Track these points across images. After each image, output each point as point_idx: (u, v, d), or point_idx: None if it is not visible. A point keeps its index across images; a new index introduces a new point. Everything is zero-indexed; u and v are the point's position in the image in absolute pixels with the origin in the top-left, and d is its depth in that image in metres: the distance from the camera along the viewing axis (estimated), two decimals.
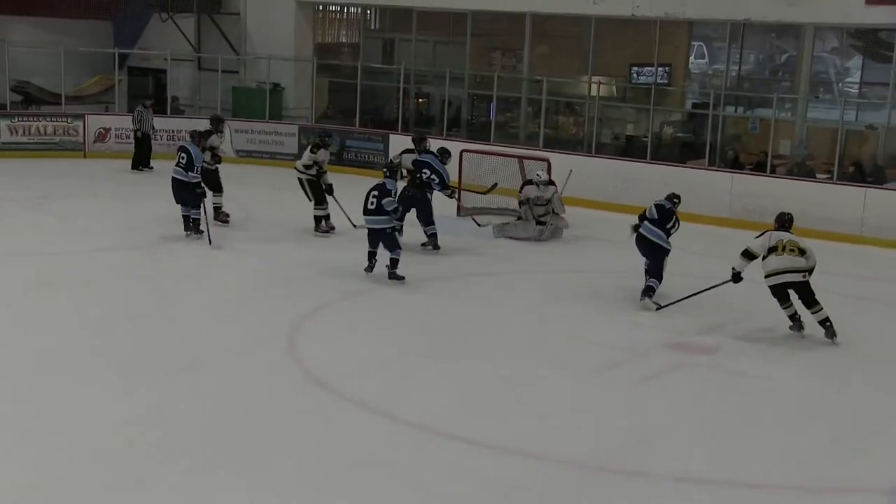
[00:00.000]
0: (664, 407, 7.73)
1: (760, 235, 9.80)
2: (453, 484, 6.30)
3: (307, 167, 12.85)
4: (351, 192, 14.32)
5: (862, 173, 14.99)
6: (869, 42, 16.86)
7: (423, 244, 12.29)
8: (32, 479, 6.07)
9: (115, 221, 13.32)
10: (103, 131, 18.66)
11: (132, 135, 17.53)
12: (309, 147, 13.08)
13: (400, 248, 10.90)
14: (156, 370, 7.93)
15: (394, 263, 10.79)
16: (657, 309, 10.12)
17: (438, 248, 12.23)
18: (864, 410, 7.93)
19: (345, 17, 21.56)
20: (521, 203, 13.25)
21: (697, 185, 15.24)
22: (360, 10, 20.73)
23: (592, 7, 16.80)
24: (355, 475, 6.33)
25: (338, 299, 10.20)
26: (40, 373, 7.81)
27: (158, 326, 9.10)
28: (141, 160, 17.36)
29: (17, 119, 18.25)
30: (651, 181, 15.44)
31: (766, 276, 9.53)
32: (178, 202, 12.23)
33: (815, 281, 9.64)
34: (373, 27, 21.29)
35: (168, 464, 6.34)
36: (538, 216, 13.11)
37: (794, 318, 9.66)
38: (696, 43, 18.65)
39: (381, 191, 10.81)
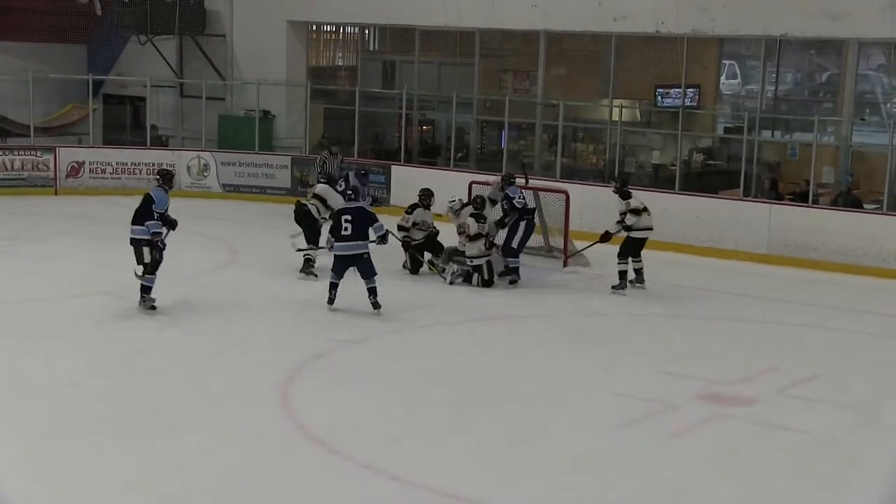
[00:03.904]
0: (697, 464, 7.74)
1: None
2: None
3: (402, 228, 13.44)
4: None
5: None
6: None
7: (509, 279, 12.86)
8: None
9: (88, 264, 13.43)
10: (76, 165, 18.86)
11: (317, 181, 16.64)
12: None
13: (376, 272, 11.34)
14: (134, 431, 7.98)
15: (373, 292, 11.27)
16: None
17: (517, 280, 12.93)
18: None
19: (341, 37, 21.81)
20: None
21: (732, 217, 15.35)
22: (357, 29, 20.98)
23: (613, 24, 17.00)
24: None
25: (334, 348, 10.28)
26: (4, 435, 7.86)
27: (135, 382, 9.16)
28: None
29: None
30: (680, 214, 15.57)
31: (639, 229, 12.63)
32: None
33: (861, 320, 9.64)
34: (371, 48, 21.53)
35: None
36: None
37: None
38: (727, 62, 18.76)
39: (360, 215, 11.35)
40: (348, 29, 21.28)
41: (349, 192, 12.72)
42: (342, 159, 16.92)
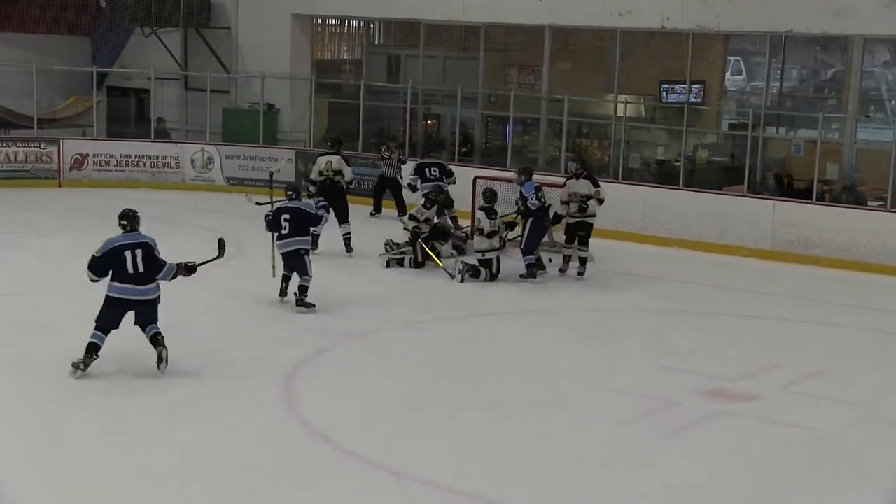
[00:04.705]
0: (699, 461, 7.73)
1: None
2: None
3: (413, 219, 13.53)
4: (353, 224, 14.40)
5: None
6: None
7: (520, 275, 12.80)
8: None
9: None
10: (80, 157, 18.84)
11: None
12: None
13: (310, 274, 11.24)
14: (137, 427, 7.98)
15: (303, 290, 11.18)
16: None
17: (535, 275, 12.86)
18: None
19: (346, 31, 21.78)
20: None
21: (736, 213, 15.31)
22: (362, 23, 20.95)
23: (618, 19, 16.95)
24: None
25: (336, 343, 10.25)
26: (11, 430, 7.85)
27: (137, 378, 9.11)
28: (396, 206, 16.74)
29: None
30: (684, 210, 15.54)
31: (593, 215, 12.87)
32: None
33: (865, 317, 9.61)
34: (377, 42, 21.49)
35: None
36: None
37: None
38: (732, 58, 18.73)
39: (298, 214, 11.29)
40: (353, 23, 21.24)
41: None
42: (399, 154, 16.94)
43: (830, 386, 9.49)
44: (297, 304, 11.22)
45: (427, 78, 19.44)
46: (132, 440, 7.72)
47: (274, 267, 11.58)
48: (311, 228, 11.65)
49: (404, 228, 13.54)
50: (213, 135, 19.53)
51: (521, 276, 12.84)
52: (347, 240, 14.04)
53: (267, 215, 11.55)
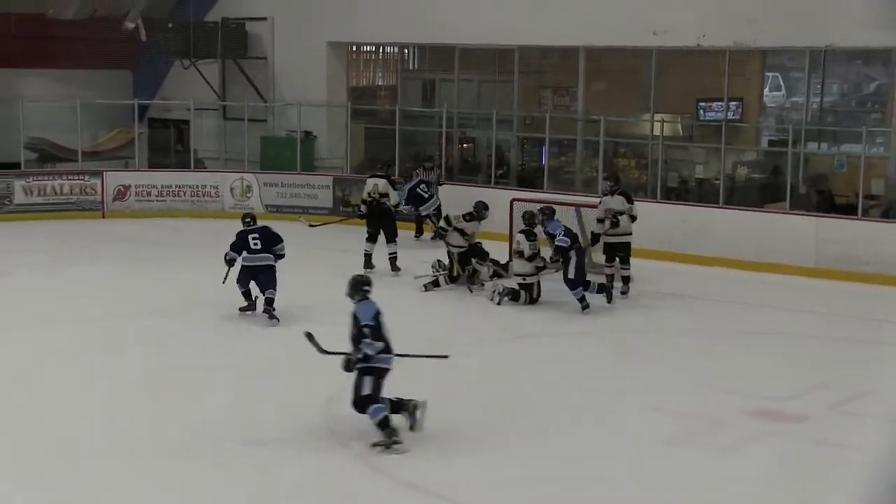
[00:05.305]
0: (747, 482, 7.52)
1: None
2: None
3: (447, 220, 13.67)
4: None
5: None
6: None
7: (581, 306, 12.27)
8: None
9: (134, 287, 13.45)
10: (122, 189, 18.98)
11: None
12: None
13: (275, 288, 11.67)
14: (178, 452, 7.92)
15: (270, 302, 11.65)
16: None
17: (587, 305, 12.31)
18: None
19: (381, 57, 21.83)
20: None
21: (778, 231, 15.04)
22: (397, 49, 20.98)
23: (653, 38, 16.79)
24: None
25: None
26: (50, 456, 7.82)
27: (179, 403, 9.08)
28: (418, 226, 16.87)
29: (31, 179, 18.63)
30: (725, 228, 15.30)
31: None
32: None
33: None
34: (411, 67, 21.50)
35: None
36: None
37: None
38: (770, 74, 18.49)
39: (266, 234, 11.84)
40: (388, 49, 21.28)
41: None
42: (439, 174, 17.07)
43: (880, 405, 9.19)
44: (265, 313, 11.57)
45: (462, 102, 19.40)
46: (171, 464, 7.65)
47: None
48: (276, 249, 11.85)
49: (436, 227, 13.72)
50: (251, 163, 19.59)
51: (583, 309, 12.28)
52: (393, 259, 14.11)
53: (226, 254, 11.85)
